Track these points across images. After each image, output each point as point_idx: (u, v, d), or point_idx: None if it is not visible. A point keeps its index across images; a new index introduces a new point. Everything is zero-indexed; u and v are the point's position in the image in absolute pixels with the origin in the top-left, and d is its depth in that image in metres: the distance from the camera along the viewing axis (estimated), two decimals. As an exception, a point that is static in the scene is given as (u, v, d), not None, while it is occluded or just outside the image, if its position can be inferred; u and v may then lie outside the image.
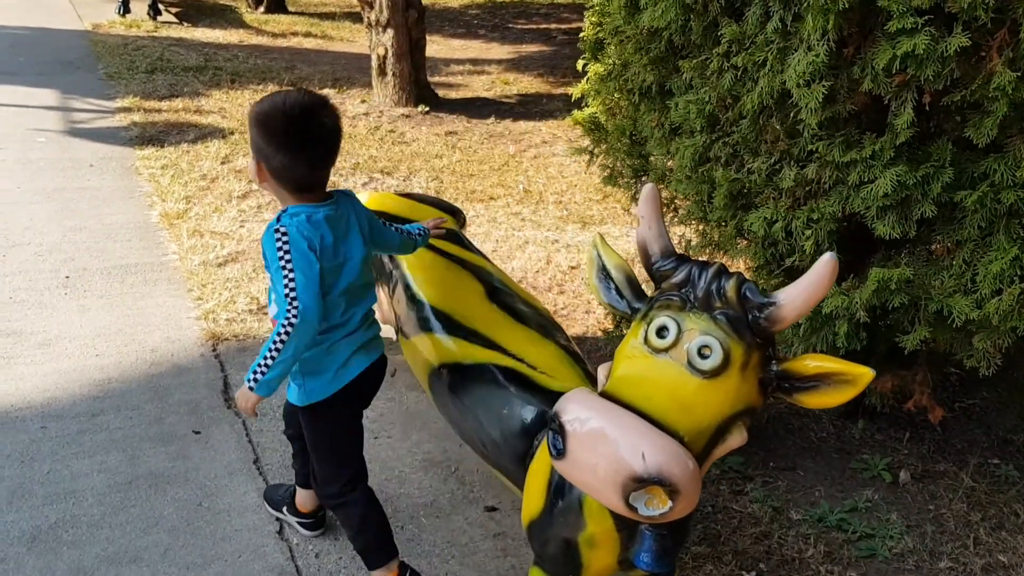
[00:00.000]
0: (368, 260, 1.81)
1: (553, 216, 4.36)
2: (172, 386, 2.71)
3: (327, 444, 1.86)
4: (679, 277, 1.41)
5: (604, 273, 1.55)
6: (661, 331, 1.36)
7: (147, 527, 2.12)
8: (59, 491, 2.21)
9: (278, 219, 1.69)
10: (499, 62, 7.81)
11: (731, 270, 1.41)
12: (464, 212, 2.74)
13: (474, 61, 7.76)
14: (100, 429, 2.47)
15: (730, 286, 1.35)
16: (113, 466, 2.32)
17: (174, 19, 8.43)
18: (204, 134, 5.06)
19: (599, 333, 3.20)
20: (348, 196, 1.80)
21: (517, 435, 1.78)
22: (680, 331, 1.35)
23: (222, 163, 4.62)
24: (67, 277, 3.33)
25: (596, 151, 2.93)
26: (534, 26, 9.45)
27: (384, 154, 5.06)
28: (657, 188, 1.51)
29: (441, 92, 6.43)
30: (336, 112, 1.72)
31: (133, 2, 8.25)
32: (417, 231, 2.04)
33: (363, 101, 6.11)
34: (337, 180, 4.54)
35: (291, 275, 1.62)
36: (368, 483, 1.92)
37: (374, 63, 5.98)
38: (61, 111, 5.32)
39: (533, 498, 1.63)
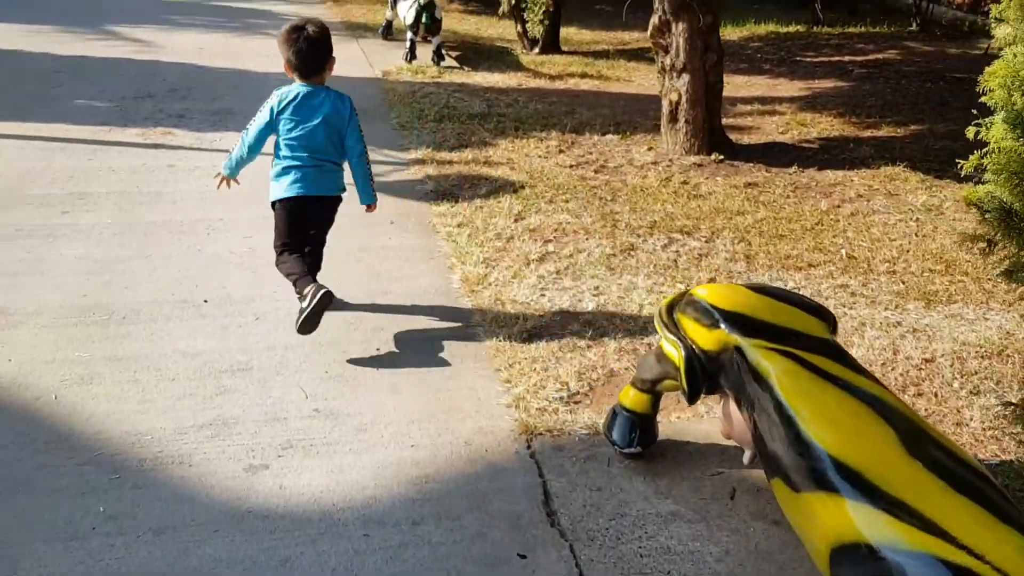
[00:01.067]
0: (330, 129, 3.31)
1: (888, 290, 3.76)
2: (490, 491, 2.47)
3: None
4: None
5: None
6: None
7: None
8: (385, 620, 2.02)
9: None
10: (790, 100, 7.21)
11: None
12: (835, 316, 2.28)
13: (762, 99, 7.22)
14: (422, 543, 2.26)
15: None
16: (439, 593, 2.10)
17: (456, 64, 8.61)
18: (495, 188, 4.95)
19: (987, 456, 2.60)
20: (331, 93, 3.34)
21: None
22: None
23: (515, 220, 4.46)
24: (377, 350, 3.24)
25: (997, 240, 2.36)
26: (825, 59, 8.73)
27: (681, 210, 4.68)
28: None
29: (732, 136, 5.97)
30: (319, 28, 3.25)
31: (419, 48, 8.51)
32: (364, 184, 3.53)
33: (650, 148, 5.79)
34: (635, 240, 4.24)
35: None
36: None
37: (665, 108, 5.64)
38: (360, 163, 5.46)
39: None
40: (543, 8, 8.68)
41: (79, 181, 4.85)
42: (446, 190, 4.94)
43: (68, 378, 2.98)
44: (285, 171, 3.27)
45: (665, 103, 5.62)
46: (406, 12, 8.45)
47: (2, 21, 9.42)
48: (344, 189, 3.46)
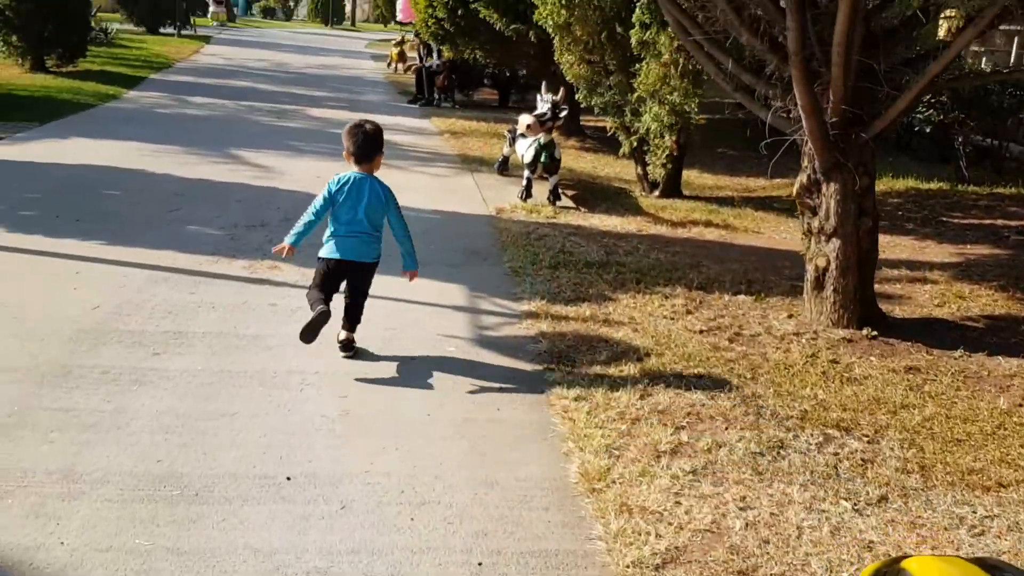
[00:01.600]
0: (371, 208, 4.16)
1: (1113, 532, 3.02)
2: None
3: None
4: None
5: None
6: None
7: None
8: None
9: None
10: (942, 267, 6.54)
11: None
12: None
13: (910, 264, 6.58)
14: None
15: None
16: None
17: (572, 204, 8.31)
18: (617, 353, 4.45)
19: None
20: (376, 181, 4.19)
21: None
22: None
23: (641, 398, 3.92)
24: (479, 564, 2.70)
25: None
26: (975, 221, 8.05)
27: (834, 398, 4.05)
28: None
29: (883, 305, 5.33)
30: (374, 127, 4.20)
31: (535, 186, 8.27)
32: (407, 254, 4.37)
33: (790, 316, 5.21)
34: (784, 435, 3.62)
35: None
36: None
37: (810, 274, 5.09)
38: (470, 313, 5.06)
39: None
40: (666, 152, 8.36)
41: (177, 317, 4.60)
42: (562, 352, 4.46)
43: (121, 572, 2.54)
44: (331, 236, 4.22)
45: (810, 268, 5.07)
46: (525, 150, 8.26)
47: (135, 139, 9.72)
48: (379, 256, 4.32)
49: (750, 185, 9.97)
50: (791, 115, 4.85)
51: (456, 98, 16.29)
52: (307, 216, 4.21)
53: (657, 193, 8.96)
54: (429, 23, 12.17)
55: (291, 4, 57.78)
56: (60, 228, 6.06)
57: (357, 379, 4.03)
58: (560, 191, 8.25)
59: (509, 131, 9.38)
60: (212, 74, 18.11)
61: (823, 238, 4.93)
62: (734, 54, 5.03)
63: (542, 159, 7.99)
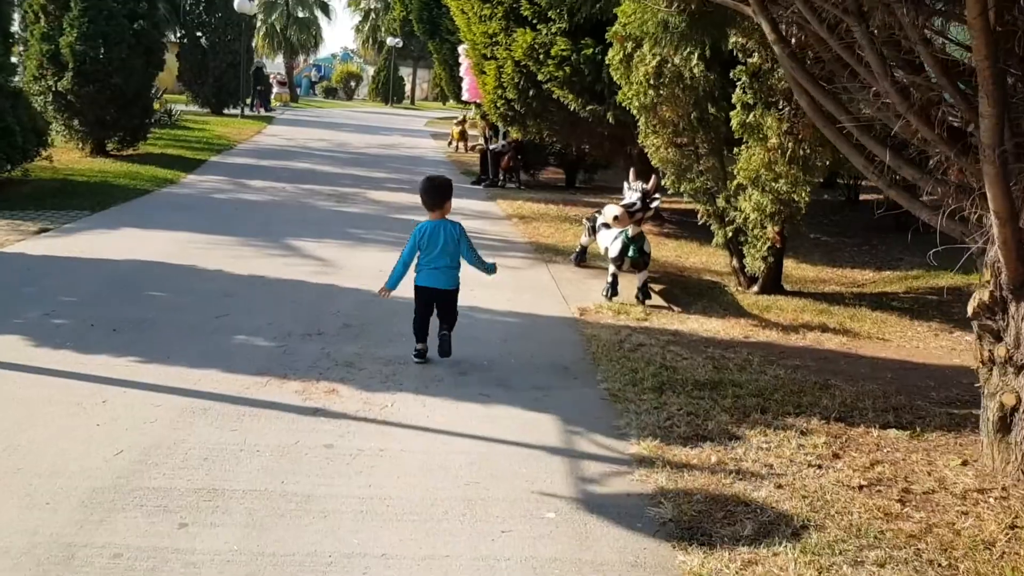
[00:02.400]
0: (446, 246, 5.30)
1: None
2: None
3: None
4: None
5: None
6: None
7: None
8: None
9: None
10: None
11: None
12: None
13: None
14: None
15: None
16: None
17: (663, 302, 7.41)
18: (764, 524, 3.47)
19: None
20: (448, 224, 5.36)
21: None
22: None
23: (811, 600, 2.93)
24: None
25: None
26: None
27: (1071, 603, 3.01)
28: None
29: (1078, 450, 4.27)
30: (442, 180, 5.49)
31: (620, 280, 7.39)
32: (483, 270, 5.60)
33: (964, 462, 4.18)
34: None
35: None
36: None
37: (992, 413, 4.07)
38: (567, 457, 4.13)
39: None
40: (767, 244, 7.44)
41: (212, 467, 3.76)
42: (692, 521, 3.49)
43: None
44: (420, 269, 5.33)
45: (992, 405, 4.06)
46: (610, 243, 7.43)
47: (188, 229, 9.16)
48: (457, 285, 5.44)
49: (857, 278, 8.95)
50: (969, 220, 3.91)
51: (521, 178, 15.66)
52: (401, 262, 5.39)
53: (756, 289, 8.00)
54: (498, 104, 11.56)
55: (352, 84, 58.94)
56: (93, 340, 5.34)
57: (433, 567, 3.12)
58: (649, 288, 7.36)
59: (588, 219, 8.58)
60: (272, 155, 17.83)
61: (1011, 370, 3.93)
62: (886, 142, 4.13)
63: (630, 253, 7.13)
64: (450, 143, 23.28)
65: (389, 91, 52.04)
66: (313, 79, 62.43)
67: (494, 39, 11.35)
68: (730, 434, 4.42)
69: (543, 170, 16.72)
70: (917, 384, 5.51)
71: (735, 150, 7.36)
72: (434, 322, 5.45)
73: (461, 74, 19.06)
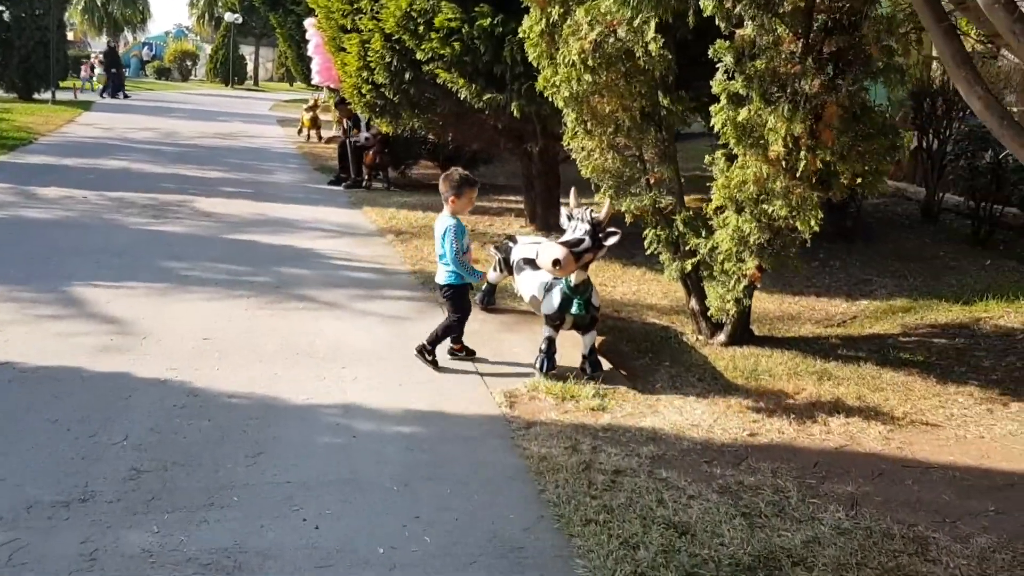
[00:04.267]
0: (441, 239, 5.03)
1: None
2: None
3: None
4: None
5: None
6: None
7: None
8: None
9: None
10: None
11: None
12: None
13: None
14: None
15: None
16: None
17: (619, 372, 5.33)
18: None
19: None
20: (444, 217, 5.18)
21: None
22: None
23: None
24: None
25: None
26: None
27: None
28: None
29: None
30: (458, 174, 5.21)
31: (557, 343, 5.24)
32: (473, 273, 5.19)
33: None
34: None
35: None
36: None
37: None
38: None
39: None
40: (743, 283, 5.48)
41: None
42: None
43: None
44: None
45: None
46: (539, 292, 5.29)
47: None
48: (449, 281, 5.22)
49: (829, 310, 7.16)
50: None
51: (390, 177, 13.24)
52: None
53: (723, 338, 6.03)
54: (363, 90, 9.09)
55: (188, 64, 53.98)
56: None
57: None
58: (598, 357, 5.25)
59: (497, 249, 6.38)
60: (80, 151, 14.59)
61: None
62: None
63: (573, 309, 4.99)
64: (300, 131, 20.43)
65: (229, 71, 47.80)
66: (144, 58, 56.76)
67: (356, 5, 8.87)
68: None
69: (414, 165, 14.32)
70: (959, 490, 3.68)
71: (709, 159, 5.33)
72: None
73: (310, 52, 16.33)
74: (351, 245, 8.67)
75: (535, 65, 6.04)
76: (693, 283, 6.14)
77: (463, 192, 5.13)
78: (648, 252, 6.10)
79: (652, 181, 5.83)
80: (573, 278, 4.96)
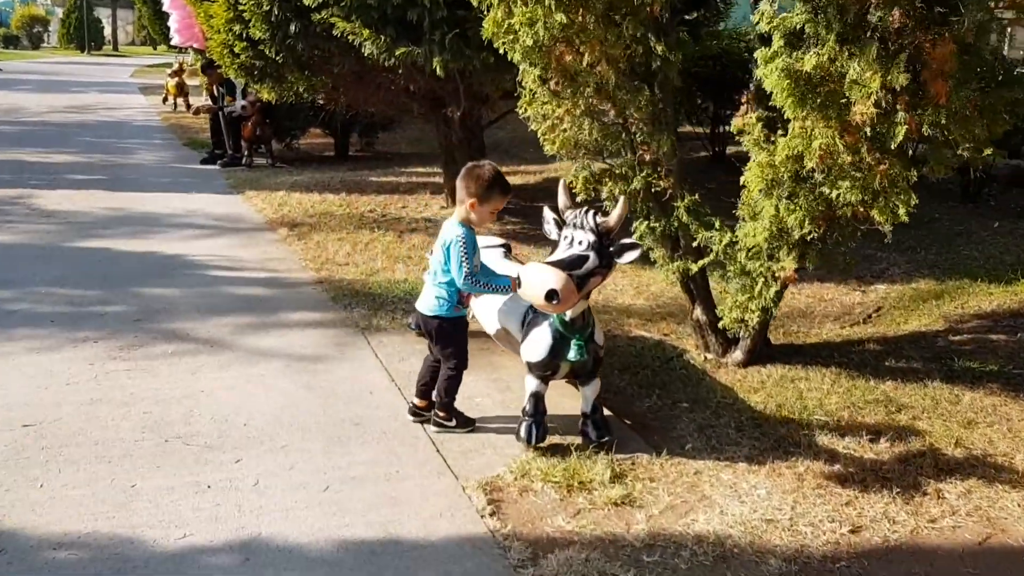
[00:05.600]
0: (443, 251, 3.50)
1: None
2: None
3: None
4: None
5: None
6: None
7: None
8: None
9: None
10: None
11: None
12: None
13: None
14: None
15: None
16: None
17: (626, 423, 3.85)
18: None
19: None
20: (451, 221, 3.55)
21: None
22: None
23: None
24: None
25: None
26: None
27: None
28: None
29: None
30: (481, 171, 3.54)
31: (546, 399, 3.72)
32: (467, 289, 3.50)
33: None
34: None
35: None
36: None
37: None
38: None
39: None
40: (773, 287, 4.08)
41: None
42: None
43: None
44: None
45: None
46: (516, 328, 3.74)
47: None
48: (440, 312, 3.62)
49: (844, 301, 5.85)
50: None
51: (274, 151, 11.31)
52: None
53: (740, 355, 4.64)
54: (236, 48, 7.19)
55: (38, 30, 49.07)
56: None
57: None
58: (604, 417, 3.75)
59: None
60: None
61: None
62: None
63: (571, 355, 3.45)
64: (165, 99, 18.02)
65: (85, 36, 43.62)
66: (-13, 25, 51.28)
67: (217, -60, 6.95)
68: None
69: (302, 135, 12.36)
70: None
71: (739, 123, 3.86)
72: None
73: (166, 7, 14.01)
74: (233, 246, 6.86)
75: (476, 3, 4.39)
76: (699, 287, 4.71)
77: (492, 197, 3.54)
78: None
79: (647, 158, 4.32)
80: (568, 314, 3.42)
